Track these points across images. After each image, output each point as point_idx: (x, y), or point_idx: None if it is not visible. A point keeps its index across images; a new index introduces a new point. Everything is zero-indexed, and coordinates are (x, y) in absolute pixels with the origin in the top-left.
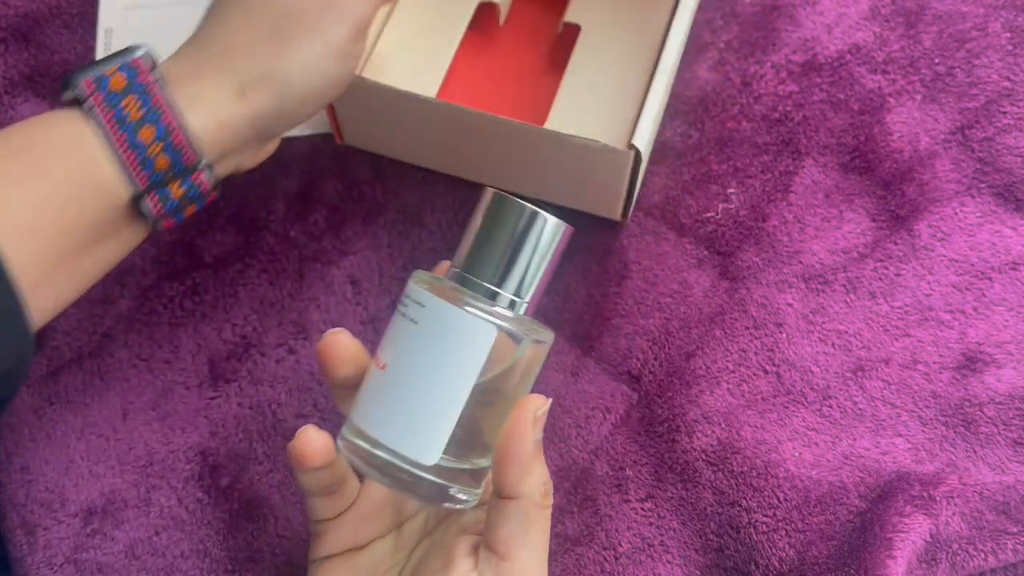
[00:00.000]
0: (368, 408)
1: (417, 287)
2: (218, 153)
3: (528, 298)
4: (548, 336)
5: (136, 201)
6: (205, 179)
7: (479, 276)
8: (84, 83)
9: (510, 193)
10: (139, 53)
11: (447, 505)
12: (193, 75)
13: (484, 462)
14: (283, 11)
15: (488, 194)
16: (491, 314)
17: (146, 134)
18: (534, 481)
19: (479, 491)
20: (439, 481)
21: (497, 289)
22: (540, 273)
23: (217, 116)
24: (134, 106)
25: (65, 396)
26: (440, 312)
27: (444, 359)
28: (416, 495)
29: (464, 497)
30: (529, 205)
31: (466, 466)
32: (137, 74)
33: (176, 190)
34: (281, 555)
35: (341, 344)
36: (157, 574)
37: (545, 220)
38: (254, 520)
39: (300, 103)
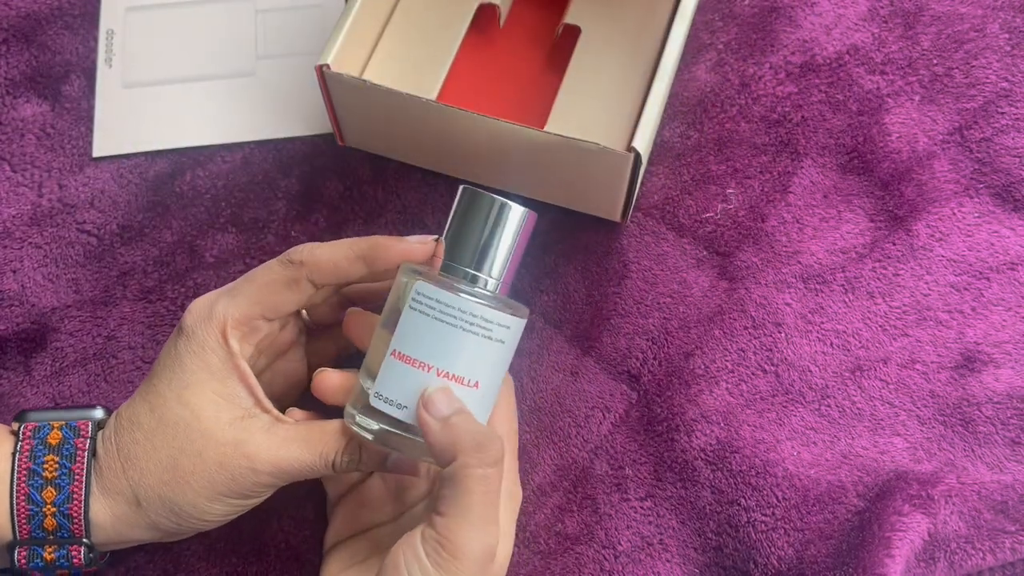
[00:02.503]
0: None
1: (503, 313)
2: (111, 539)
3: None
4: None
5: (8, 547)
6: (81, 556)
7: (483, 271)
8: (25, 426)
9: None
10: (95, 415)
11: None
12: (110, 459)
13: None
14: (180, 447)
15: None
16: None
17: (49, 494)
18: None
19: None
20: None
21: (487, 277)
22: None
23: (114, 511)
24: (52, 466)
25: (70, 397)
26: (518, 328)
27: (508, 360)
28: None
29: None
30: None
31: None
32: (75, 435)
33: (49, 554)
34: (286, 549)
35: (328, 380)
36: (164, 568)
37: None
38: (259, 514)
39: (200, 522)
